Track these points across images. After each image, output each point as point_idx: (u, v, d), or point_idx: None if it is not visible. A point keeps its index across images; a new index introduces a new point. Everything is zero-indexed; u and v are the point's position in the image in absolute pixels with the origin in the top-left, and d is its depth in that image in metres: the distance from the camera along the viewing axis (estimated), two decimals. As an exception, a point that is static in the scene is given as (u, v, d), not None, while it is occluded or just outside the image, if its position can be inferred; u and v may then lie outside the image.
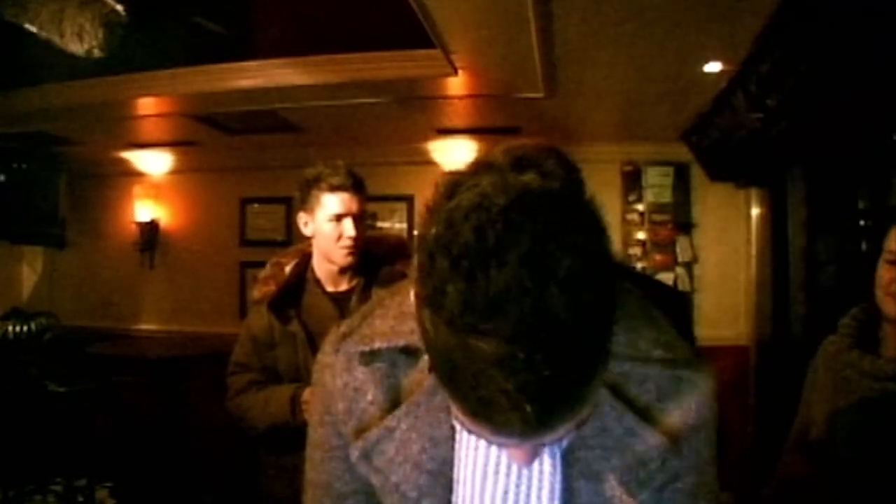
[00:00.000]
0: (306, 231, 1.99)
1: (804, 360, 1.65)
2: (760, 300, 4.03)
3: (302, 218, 1.98)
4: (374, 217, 4.52)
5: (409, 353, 0.81)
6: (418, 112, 3.64)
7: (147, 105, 3.49)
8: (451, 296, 0.55)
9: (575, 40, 2.54)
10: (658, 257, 4.32)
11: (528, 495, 0.75)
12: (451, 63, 2.75)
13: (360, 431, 0.82)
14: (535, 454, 0.66)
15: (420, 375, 0.81)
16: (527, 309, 0.53)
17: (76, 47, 1.95)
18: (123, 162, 4.83)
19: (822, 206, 3.25)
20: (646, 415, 0.76)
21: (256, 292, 2.07)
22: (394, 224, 4.63)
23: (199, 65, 3.02)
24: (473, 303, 0.54)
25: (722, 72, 2.76)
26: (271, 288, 2.01)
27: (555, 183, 0.61)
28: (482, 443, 0.75)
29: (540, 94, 3.14)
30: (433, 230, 0.60)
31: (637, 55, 2.67)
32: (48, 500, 3.42)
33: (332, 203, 1.90)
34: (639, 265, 4.26)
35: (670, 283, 4.20)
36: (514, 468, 0.76)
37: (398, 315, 0.82)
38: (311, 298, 2.00)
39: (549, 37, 2.48)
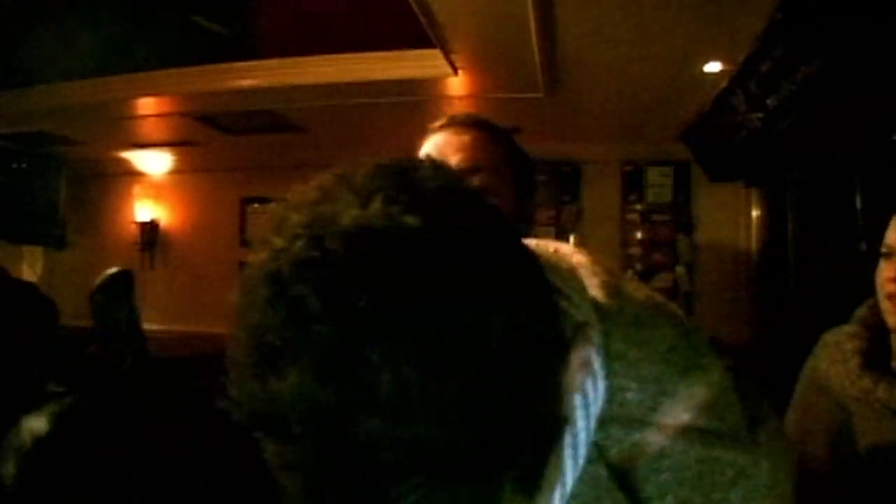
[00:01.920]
0: None
1: (803, 360, 1.63)
2: (760, 300, 4.03)
3: None
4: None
5: None
6: (418, 112, 3.64)
7: (147, 105, 3.49)
8: (237, 400, 0.40)
9: (575, 40, 2.54)
10: (658, 257, 4.32)
11: None
12: (451, 63, 2.76)
13: None
14: None
15: None
16: (321, 445, 0.37)
17: None
18: (123, 162, 4.84)
19: (822, 206, 3.25)
20: None
21: None
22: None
23: (199, 65, 3.02)
24: (255, 416, 0.39)
25: (722, 72, 2.76)
26: None
27: (411, 218, 0.38)
28: None
29: (540, 94, 3.14)
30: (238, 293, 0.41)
31: (637, 55, 2.67)
32: (48, 500, 3.42)
33: None
34: (638, 265, 4.26)
35: (670, 283, 4.21)
36: None
37: None
38: None
39: (549, 37, 2.48)
